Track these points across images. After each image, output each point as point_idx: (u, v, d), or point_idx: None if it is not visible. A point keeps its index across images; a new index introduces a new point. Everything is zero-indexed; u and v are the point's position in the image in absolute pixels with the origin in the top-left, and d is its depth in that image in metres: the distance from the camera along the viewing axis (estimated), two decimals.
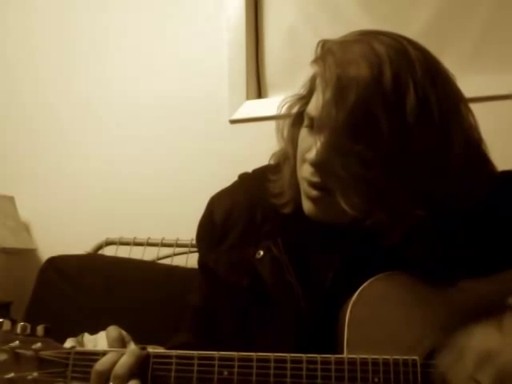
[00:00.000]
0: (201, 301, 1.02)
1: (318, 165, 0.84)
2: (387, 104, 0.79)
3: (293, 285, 0.90)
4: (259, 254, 0.93)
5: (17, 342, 0.83)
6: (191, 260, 1.81)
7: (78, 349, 0.86)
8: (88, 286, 1.81)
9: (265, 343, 0.88)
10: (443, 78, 0.87)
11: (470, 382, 0.76)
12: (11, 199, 2.17)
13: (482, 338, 0.78)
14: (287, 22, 1.97)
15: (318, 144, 0.83)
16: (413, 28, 1.79)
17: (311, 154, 0.84)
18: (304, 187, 0.87)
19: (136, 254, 1.91)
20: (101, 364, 0.82)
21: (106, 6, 2.22)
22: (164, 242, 1.91)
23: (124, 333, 0.98)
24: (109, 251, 1.97)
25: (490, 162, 0.91)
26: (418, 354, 0.80)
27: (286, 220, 0.90)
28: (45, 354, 0.84)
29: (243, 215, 0.98)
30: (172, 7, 2.12)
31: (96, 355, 0.84)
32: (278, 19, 2.00)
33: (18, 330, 0.84)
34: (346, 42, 0.87)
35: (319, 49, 0.91)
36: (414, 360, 0.80)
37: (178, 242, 1.87)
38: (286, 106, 0.93)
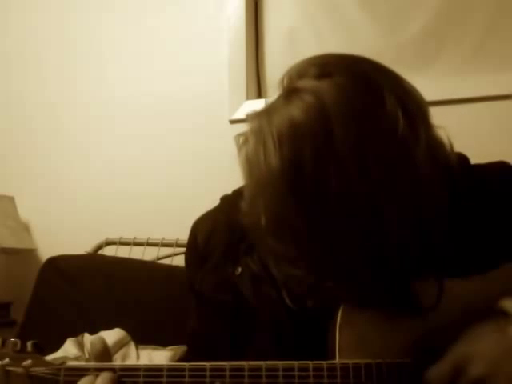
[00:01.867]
0: (195, 324, 1.02)
1: None
2: (307, 208, 0.73)
3: (273, 298, 0.90)
4: (238, 270, 0.94)
5: (7, 360, 0.83)
6: None
7: (68, 365, 0.84)
8: (88, 286, 1.81)
9: (253, 357, 0.88)
10: (378, 124, 0.74)
11: None
12: (11, 199, 2.17)
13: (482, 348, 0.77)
14: (287, 22, 1.97)
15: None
16: (413, 28, 1.79)
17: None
18: None
19: (136, 254, 1.91)
20: None
21: (106, 6, 2.22)
22: (164, 242, 1.91)
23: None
24: (109, 251, 1.97)
25: (456, 163, 0.83)
26: (411, 356, 0.79)
27: None
28: (35, 370, 0.83)
29: (223, 236, 0.98)
30: (172, 7, 2.12)
31: (86, 370, 0.82)
32: (278, 19, 2.00)
33: (9, 346, 0.84)
34: (267, 116, 0.77)
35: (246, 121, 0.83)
36: (406, 362, 0.79)
37: (178, 242, 1.87)
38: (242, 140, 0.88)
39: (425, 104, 0.80)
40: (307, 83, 0.76)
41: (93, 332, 1.60)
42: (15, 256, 2.20)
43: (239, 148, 0.81)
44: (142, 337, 1.58)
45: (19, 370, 0.82)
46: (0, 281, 2.14)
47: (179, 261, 1.85)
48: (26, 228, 2.21)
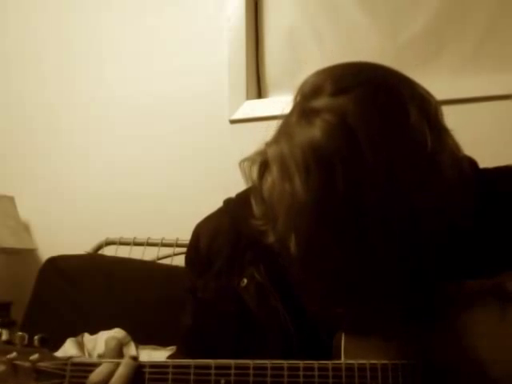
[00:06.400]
0: (191, 321, 1.01)
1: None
2: (343, 238, 0.70)
3: (279, 310, 0.89)
4: (243, 282, 0.92)
5: (14, 354, 0.83)
6: None
7: (74, 360, 0.85)
8: (88, 286, 1.81)
9: None
10: (407, 139, 0.72)
11: None
12: (11, 199, 2.17)
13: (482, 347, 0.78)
14: (287, 22, 1.97)
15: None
16: (413, 28, 1.79)
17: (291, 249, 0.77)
18: None
19: (136, 254, 1.91)
20: (96, 375, 0.82)
21: (106, 6, 2.22)
22: (164, 241, 1.91)
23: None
24: (109, 251, 1.97)
25: (470, 169, 0.84)
26: (417, 358, 0.79)
27: (270, 247, 0.87)
28: (42, 365, 0.83)
29: (227, 242, 0.97)
30: (172, 7, 2.12)
31: (92, 366, 0.83)
32: (277, 19, 2.00)
33: (16, 340, 0.84)
34: (288, 141, 0.73)
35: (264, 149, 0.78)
36: (413, 364, 0.79)
37: (178, 242, 1.87)
38: (247, 166, 0.82)
39: (439, 107, 0.78)
40: (325, 102, 0.73)
41: (93, 332, 1.60)
42: (15, 256, 2.20)
43: (260, 175, 0.77)
44: (142, 337, 1.58)
45: (26, 364, 0.83)
46: (0, 281, 2.14)
47: (179, 261, 1.85)
48: (26, 228, 2.21)
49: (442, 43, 1.76)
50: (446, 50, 1.75)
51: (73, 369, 0.83)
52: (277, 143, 0.75)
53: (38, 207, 2.23)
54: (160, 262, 1.89)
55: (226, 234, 0.97)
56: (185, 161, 2.04)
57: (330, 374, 0.78)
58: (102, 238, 2.00)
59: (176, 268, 1.80)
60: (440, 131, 0.75)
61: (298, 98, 0.77)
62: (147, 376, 0.82)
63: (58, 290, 1.83)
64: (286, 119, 0.77)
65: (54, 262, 1.89)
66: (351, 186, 0.69)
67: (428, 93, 0.78)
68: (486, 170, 0.93)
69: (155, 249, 1.91)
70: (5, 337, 0.84)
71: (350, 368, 0.78)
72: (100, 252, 1.99)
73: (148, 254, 1.91)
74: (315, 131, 0.71)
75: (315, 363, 0.79)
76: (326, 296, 0.76)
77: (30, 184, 2.25)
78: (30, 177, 2.26)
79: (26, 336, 0.84)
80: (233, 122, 1.98)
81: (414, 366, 0.79)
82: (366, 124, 0.70)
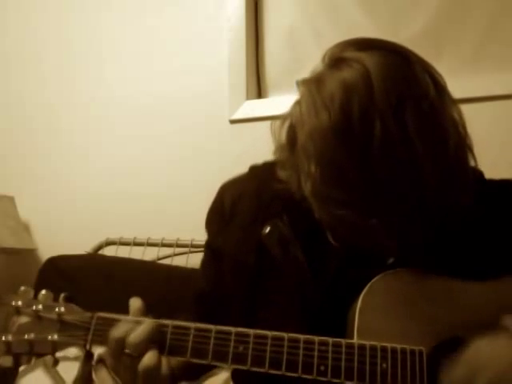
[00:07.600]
0: (206, 284, 1.04)
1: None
2: (355, 153, 0.82)
3: (299, 259, 0.93)
4: (266, 229, 0.96)
5: (40, 306, 0.86)
6: (191, 260, 1.81)
7: (101, 314, 0.88)
8: (88, 286, 1.81)
9: (269, 320, 0.90)
10: (415, 101, 0.85)
11: None
12: (11, 199, 2.17)
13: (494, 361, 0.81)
14: (287, 22, 1.97)
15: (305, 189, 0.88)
16: (413, 28, 1.79)
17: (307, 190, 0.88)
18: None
19: (136, 254, 1.91)
20: (118, 331, 0.84)
21: (106, 6, 2.22)
22: (164, 241, 1.91)
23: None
24: (109, 251, 1.98)
25: (473, 163, 0.92)
26: (424, 346, 0.83)
27: (294, 202, 0.93)
28: (67, 317, 0.86)
29: (251, 200, 1.01)
30: (172, 7, 2.12)
31: (117, 321, 0.86)
32: (277, 19, 2.00)
33: (41, 297, 0.88)
34: (317, 82, 0.89)
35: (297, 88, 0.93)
36: (420, 350, 0.82)
37: (178, 242, 1.88)
38: (278, 126, 0.95)
39: (445, 82, 0.90)
40: (351, 54, 0.88)
41: None
42: (15, 256, 2.21)
43: (291, 107, 0.91)
44: None
45: (51, 315, 0.86)
46: (0, 281, 2.14)
47: (179, 261, 1.85)
48: (25, 228, 2.21)
49: (442, 43, 1.76)
50: (446, 50, 1.75)
51: (98, 322, 0.87)
52: (307, 84, 0.90)
53: (38, 207, 2.23)
54: (160, 262, 1.89)
55: (250, 194, 1.02)
56: (185, 161, 2.05)
57: (344, 350, 0.82)
58: (102, 238, 2.00)
59: (176, 268, 1.81)
60: (443, 94, 0.88)
61: (327, 57, 0.91)
62: (169, 336, 0.85)
63: (58, 290, 1.83)
64: (315, 73, 0.91)
65: (54, 261, 1.89)
66: (364, 117, 0.82)
67: (436, 70, 0.91)
68: (492, 182, 0.98)
69: (155, 249, 1.91)
70: (30, 295, 0.88)
71: (361, 347, 0.82)
72: (100, 252, 2.00)
73: (148, 254, 1.91)
74: (342, 73, 0.86)
75: (330, 340, 0.83)
76: (342, 206, 0.83)
77: (30, 184, 2.25)
78: (30, 177, 2.27)
79: (52, 295, 0.89)
80: (233, 122, 1.98)
81: (420, 353, 0.82)
82: (379, 69, 0.85)
